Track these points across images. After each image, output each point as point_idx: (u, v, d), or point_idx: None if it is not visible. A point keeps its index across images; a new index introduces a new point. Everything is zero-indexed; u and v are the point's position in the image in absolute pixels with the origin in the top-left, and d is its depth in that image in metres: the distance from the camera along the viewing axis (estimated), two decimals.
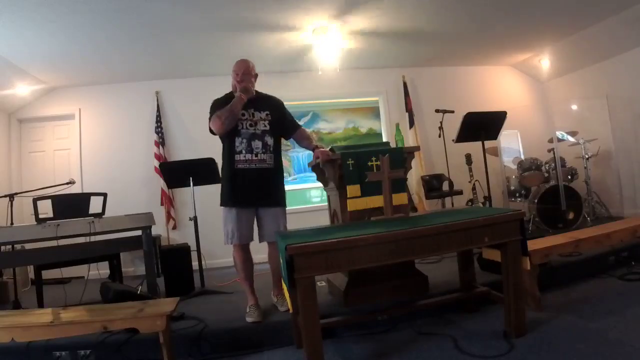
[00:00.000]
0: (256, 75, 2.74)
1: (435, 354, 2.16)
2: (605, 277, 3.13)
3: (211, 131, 2.66)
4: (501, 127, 3.83)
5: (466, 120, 3.63)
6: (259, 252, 4.98)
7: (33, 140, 5.11)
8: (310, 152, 2.87)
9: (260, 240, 2.74)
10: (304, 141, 2.89)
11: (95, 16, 3.43)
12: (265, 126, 2.65)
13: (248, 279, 2.76)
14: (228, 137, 2.63)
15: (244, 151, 2.59)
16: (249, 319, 2.57)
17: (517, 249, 2.21)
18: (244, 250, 2.71)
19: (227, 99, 2.68)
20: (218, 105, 2.64)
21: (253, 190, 2.59)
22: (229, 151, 2.62)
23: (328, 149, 2.75)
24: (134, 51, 4.32)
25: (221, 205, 2.70)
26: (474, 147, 4.09)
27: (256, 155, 2.60)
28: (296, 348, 2.37)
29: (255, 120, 2.64)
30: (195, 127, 5.24)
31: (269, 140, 2.66)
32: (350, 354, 2.30)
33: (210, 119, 2.63)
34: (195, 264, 3.58)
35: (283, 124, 2.78)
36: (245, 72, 2.64)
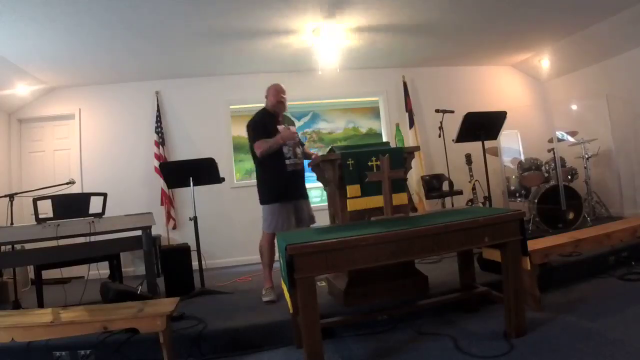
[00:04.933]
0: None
1: (435, 354, 2.16)
2: (605, 277, 3.13)
3: (251, 147, 3.20)
4: (501, 127, 3.83)
5: (466, 120, 3.63)
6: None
7: (33, 140, 5.11)
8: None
9: (298, 226, 3.20)
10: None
11: (95, 16, 3.42)
12: (298, 137, 3.29)
13: (270, 265, 3.21)
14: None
15: (292, 157, 3.17)
16: (265, 299, 2.99)
17: (517, 249, 2.21)
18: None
19: (264, 120, 3.21)
20: (259, 127, 3.16)
21: (297, 187, 3.22)
22: (278, 158, 3.14)
23: (328, 149, 2.77)
24: (134, 51, 4.32)
25: (269, 202, 3.15)
26: (474, 147, 4.09)
27: (298, 159, 3.22)
28: (296, 348, 2.38)
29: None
30: (195, 127, 5.26)
31: (300, 147, 3.31)
32: (350, 353, 2.30)
33: (254, 138, 3.14)
34: (195, 264, 3.57)
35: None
36: (284, 94, 3.31)
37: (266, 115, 3.27)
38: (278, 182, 3.14)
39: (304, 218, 3.26)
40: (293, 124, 3.63)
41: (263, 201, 3.21)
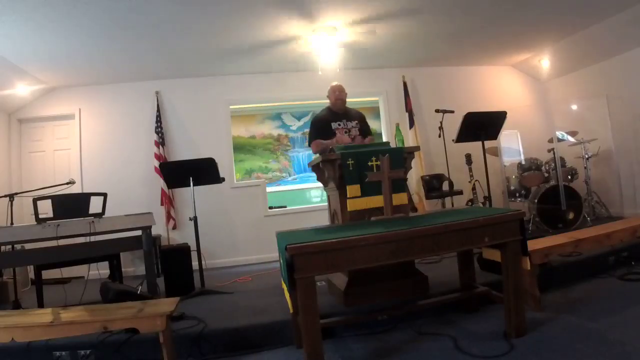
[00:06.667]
0: (346, 94, 3.58)
1: (435, 354, 2.16)
2: (605, 277, 3.13)
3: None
4: (501, 127, 3.83)
5: (466, 120, 3.63)
6: (264, 251, 4.99)
7: (33, 140, 5.11)
8: (308, 151, 3.10)
9: None
10: None
11: (95, 16, 3.42)
12: (357, 132, 3.44)
13: None
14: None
15: None
16: None
17: (517, 249, 2.21)
18: None
19: (324, 118, 3.46)
20: (316, 128, 3.44)
21: None
22: None
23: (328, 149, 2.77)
24: (134, 51, 4.32)
25: None
26: (474, 147, 4.09)
27: None
28: (296, 348, 2.38)
29: (348, 128, 3.43)
30: (195, 127, 5.26)
31: (359, 141, 3.32)
32: (350, 353, 2.30)
33: (310, 137, 3.45)
34: (195, 264, 3.57)
35: (364, 131, 3.55)
36: (340, 92, 3.53)
37: (328, 113, 3.55)
38: None
39: None
40: (361, 117, 3.69)
41: None
